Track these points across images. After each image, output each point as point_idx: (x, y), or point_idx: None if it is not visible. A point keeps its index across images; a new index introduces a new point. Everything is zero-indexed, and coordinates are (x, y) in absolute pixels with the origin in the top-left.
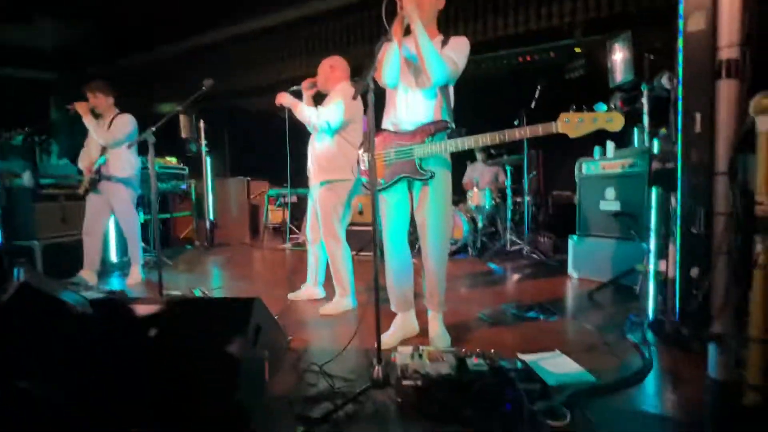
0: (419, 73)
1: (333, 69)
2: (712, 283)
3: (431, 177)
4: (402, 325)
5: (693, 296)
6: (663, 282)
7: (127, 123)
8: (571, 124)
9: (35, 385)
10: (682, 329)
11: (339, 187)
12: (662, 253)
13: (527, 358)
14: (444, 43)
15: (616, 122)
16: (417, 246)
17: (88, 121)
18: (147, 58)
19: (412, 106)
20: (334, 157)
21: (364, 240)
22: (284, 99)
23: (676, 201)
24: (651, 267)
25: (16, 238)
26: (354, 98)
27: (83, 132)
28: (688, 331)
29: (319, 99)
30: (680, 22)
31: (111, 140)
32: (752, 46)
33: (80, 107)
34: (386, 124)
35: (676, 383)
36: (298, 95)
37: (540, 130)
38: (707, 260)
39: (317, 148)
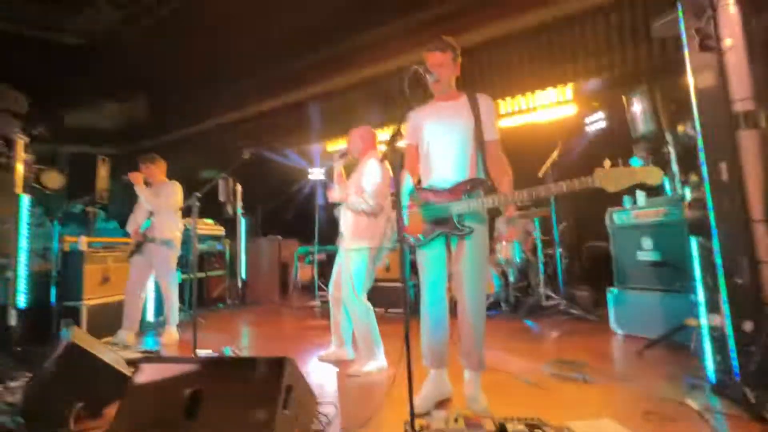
0: (452, 133)
1: (362, 139)
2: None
3: (470, 233)
4: (436, 384)
5: (751, 353)
6: (719, 338)
7: (174, 190)
8: (610, 179)
9: None
10: (746, 392)
11: (366, 253)
12: (713, 306)
13: (575, 425)
14: (471, 100)
15: (654, 176)
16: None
17: (140, 189)
18: (189, 131)
19: (448, 166)
20: (364, 225)
21: (391, 296)
22: (333, 196)
23: (714, 250)
24: (703, 321)
25: (66, 299)
26: (382, 161)
27: (133, 199)
28: (754, 393)
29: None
30: (690, 79)
31: (159, 206)
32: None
33: (134, 177)
34: (424, 183)
35: None
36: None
37: (577, 184)
38: (760, 312)
39: (348, 216)
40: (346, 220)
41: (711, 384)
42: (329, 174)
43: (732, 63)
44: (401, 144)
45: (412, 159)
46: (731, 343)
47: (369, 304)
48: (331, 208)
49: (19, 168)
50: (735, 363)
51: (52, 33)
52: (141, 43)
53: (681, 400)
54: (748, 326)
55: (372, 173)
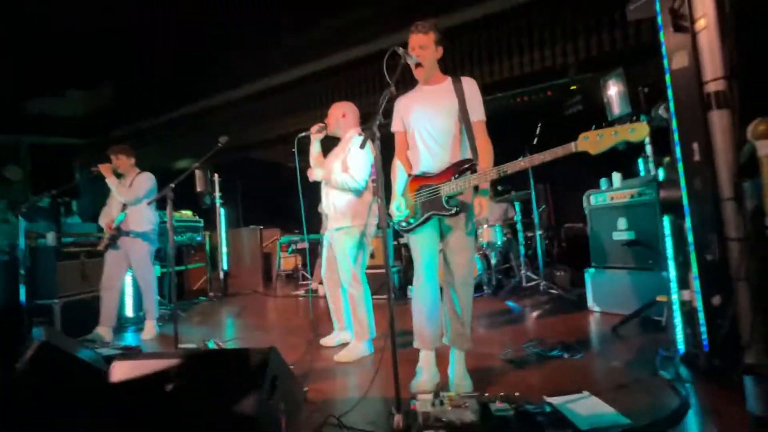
0: (438, 117)
1: (345, 116)
2: (735, 310)
3: (457, 213)
4: (433, 363)
5: (719, 326)
6: (689, 312)
7: (146, 180)
8: (591, 141)
9: None
10: (715, 362)
11: (356, 231)
12: (684, 283)
13: (555, 400)
14: (455, 83)
15: (639, 131)
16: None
17: (111, 181)
18: (163, 119)
19: (436, 150)
20: (350, 203)
21: (376, 283)
22: (315, 175)
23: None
24: (674, 297)
25: (37, 297)
26: (362, 147)
27: (104, 192)
28: (721, 363)
29: (326, 142)
30: (665, 61)
31: (132, 198)
32: (737, 78)
33: (104, 169)
34: (415, 169)
35: (717, 422)
36: (306, 140)
37: (560, 151)
38: (728, 287)
39: (333, 195)
40: (331, 201)
41: (681, 355)
42: (300, 144)
43: (705, 43)
44: (392, 130)
45: (403, 147)
46: (701, 316)
47: (368, 287)
48: (312, 195)
49: None
50: (704, 335)
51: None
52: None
53: (653, 372)
54: (716, 300)
55: (357, 149)
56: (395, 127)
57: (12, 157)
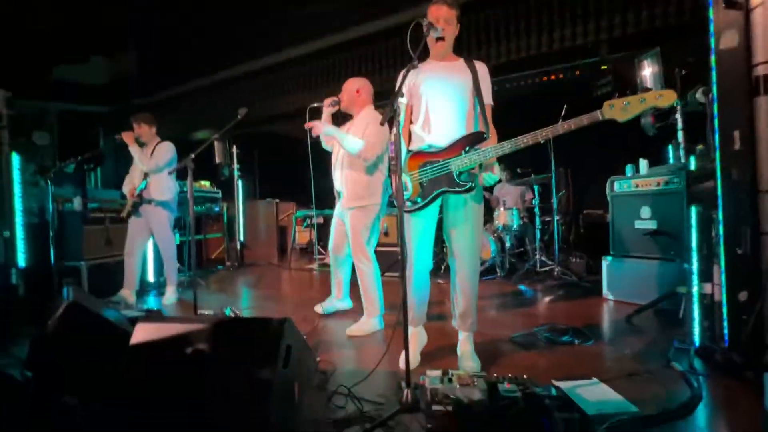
0: (452, 91)
1: (359, 92)
2: (763, 307)
3: (471, 189)
4: (419, 341)
5: (743, 321)
6: (709, 306)
7: (168, 150)
8: (617, 108)
9: (80, 402)
10: (733, 357)
11: (370, 210)
12: (706, 275)
13: (563, 385)
14: (468, 63)
15: (667, 97)
16: (443, 266)
17: (133, 149)
18: (185, 89)
19: (448, 124)
20: (364, 182)
21: (390, 260)
22: (321, 129)
23: (717, 220)
24: (695, 289)
25: (65, 258)
26: (381, 125)
27: (128, 160)
28: (740, 359)
29: (337, 118)
30: (711, 40)
31: (153, 166)
32: None
33: (126, 137)
34: (422, 143)
35: (729, 416)
36: (318, 112)
37: (585, 120)
38: (757, 283)
39: (347, 174)
40: (344, 179)
41: (696, 348)
42: (312, 115)
43: (759, 22)
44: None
45: (407, 120)
46: (724, 311)
47: (377, 265)
48: (327, 171)
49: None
50: (726, 330)
51: None
52: None
53: (666, 362)
54: (743, 296)
55: (374, 122)
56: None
57: (39, 124)
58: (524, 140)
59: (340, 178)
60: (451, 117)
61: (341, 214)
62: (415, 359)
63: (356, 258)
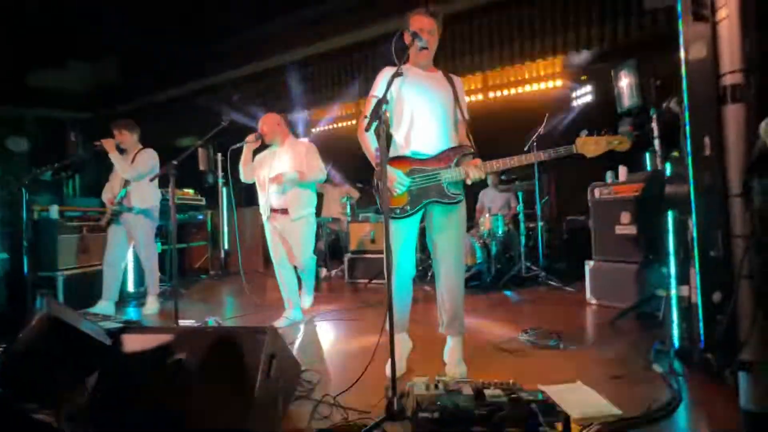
0: (437, 102)
1: (280, 125)
2: (736, 307)
3: (459, 201)
4: (403, 347)
5: (717, 322)
6: (687, 308)
7: (149, 157)
8: (588, 145)
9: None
10: (709, 357)
11: (311, 218)
12: (683, 278)
13: (548, 389)
14: (446, 77)
15: (623, 144)
16: (429, 273)
17: (114, 156)
18: (168, 96)
19: (432, 134)
20: (304, 195)
21: (376, 268)
22: (269, 175)
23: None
24: (673, 292)
25: (40, 269)
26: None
27: (108, 167)
28: (716, 359)
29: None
30: (681, 51)
31: (134, 174)
32: (755, 72)
33: (107, 144)
34: (404, 150)
35: (707, 416)
36: (240, 149)
37: (562, 151)
38: (729, 284)
39: (286, 190)
40: (284, 196)
41: (675, 350)
42: (234, 154)
43: (725, 34)
44: (373, 99)
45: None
46: (700, 312)
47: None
48: None
49: None
50: (701, 331)
51: None
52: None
53: (647, 365)
54: (717, 297)
55: (314, 152)
56: (379, 92)
57: (17, 130)
58: (511, 161)
59: (276, 197)
60: (435, 127)
61: (277, 226)
62: (400, 366)
63: (307, 261)
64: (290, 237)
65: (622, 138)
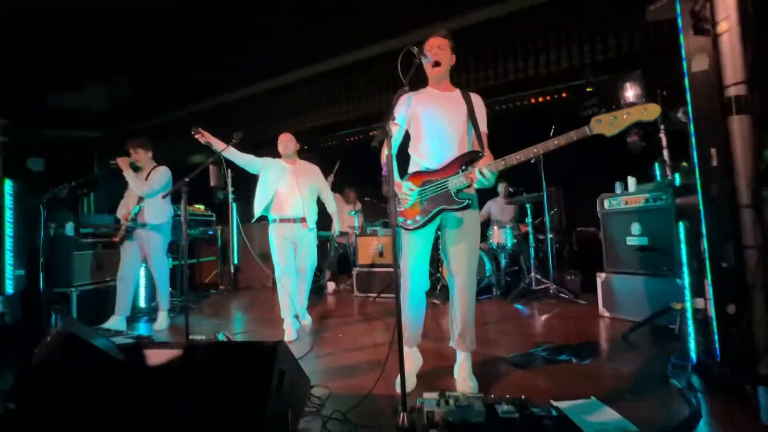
0: (450, 120)
1: (293, 142)
2: (751, 319)
3: (468, 205)
4: (414, 361)
5: (733, 335)
6: (703, 321)
7: (163, 174)
8: (604, 123)
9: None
10: (725, 371)
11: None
12: (698, 290)
13: (561, 405)
14: (464, 95)
15: (651, 111)
16: (438, 286)
17: (127, 174)
18: (180, 114)
19: (445, 151)
20: (315, 208)
21: (384, 282)
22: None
23: (702, 235)
24: (688, 305)
25: (55, 285)
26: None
27: (122, 185)
28: (732, 373)
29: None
30: (684, 64)
31: (148, 191)
32: (758, 83)
33: (122, 162)
34: (418, 166)
35: None
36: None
37: (574, 135)
38: (743, 296)
39: (308, 203)
40: (305, 207)
41: (693, 364)
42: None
43: (726, 47)
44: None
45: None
46: (714, 325)
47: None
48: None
49: None
50: (717, 344)
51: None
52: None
53: (664, 380)
54: (731, 309)
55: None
56: (398, 118)
57: (34, 150)
58: (517, 157)
59: (303, 206)
60: (447, 143)
61: (299, 236)
62: (411, 382)
63: (311, 268)
64: (304, 244)
65: (648, 105)
